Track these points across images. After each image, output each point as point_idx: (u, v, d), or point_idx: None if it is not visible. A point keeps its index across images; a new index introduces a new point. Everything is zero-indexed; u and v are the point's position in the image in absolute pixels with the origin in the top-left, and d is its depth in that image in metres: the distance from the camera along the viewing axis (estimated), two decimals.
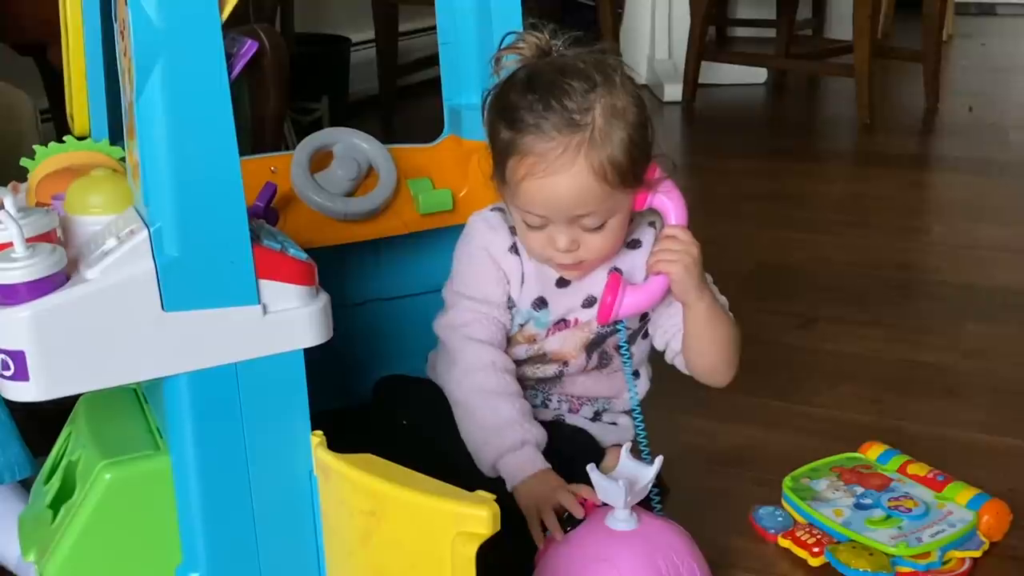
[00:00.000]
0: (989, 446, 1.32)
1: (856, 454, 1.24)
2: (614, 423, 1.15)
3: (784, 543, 1.11)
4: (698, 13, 3.22)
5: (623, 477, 0.95)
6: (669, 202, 1.04)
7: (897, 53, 3.46)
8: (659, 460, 0.96)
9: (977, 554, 1.08)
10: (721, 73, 3.44)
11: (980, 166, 2.64)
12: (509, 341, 1.10)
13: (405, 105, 3.09)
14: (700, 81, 3.28)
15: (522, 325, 1.09)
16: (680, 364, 1.12)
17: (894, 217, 2.28)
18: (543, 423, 1.10)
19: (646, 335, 1.13)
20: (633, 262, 1.08)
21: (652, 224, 1.09)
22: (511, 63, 1.04)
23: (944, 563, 1.06)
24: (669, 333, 1.10)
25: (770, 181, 2.57)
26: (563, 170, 0.97)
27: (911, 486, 1.16)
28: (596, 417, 1.15)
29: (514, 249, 1.08)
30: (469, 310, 1.08)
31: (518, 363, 1.10)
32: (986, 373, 1.53)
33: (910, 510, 1.11)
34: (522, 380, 1.10)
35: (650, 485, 0.96)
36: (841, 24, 3.82)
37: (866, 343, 1.63)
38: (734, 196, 2.45)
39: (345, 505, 0.81)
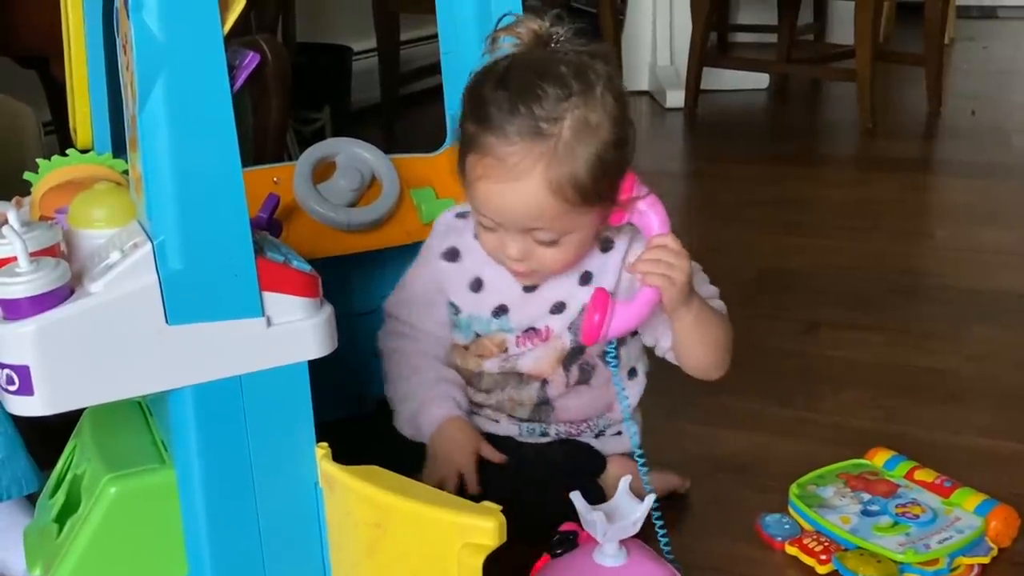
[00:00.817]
0: (995, 451, 1.32)
1: (862, 460, 1.24)
2: (618, 433, 1.15)
3: (791, 550, 1.11)
4: (699, 19, 3.22)
5: (614, 510, 0.92)
6: (651, 213, 1.00)
7: (899, 57, 3.46)
8: (650, 498, 0.92)
9: (985, 560, 1.08)
10: (723, 79, 3.44)
11: (983, 170, 2.63)
12: (482, 354, 1.08)
13: (407, 113, 3.09)
14: (702, 87, 3.28)
15: (486, 333, 1.08)
16: (671, 358, 1.10)
17: (897, 221, 2.28)
18: (543, 444, 1.09)
19: (635, 332, 1.11)
20: (604, 264, 1.05)
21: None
22: (508, 45, 0.99)
23: (952, 569, 1.06)
24: (658, 330, 1.08)
25: (772, 186, 2.56)
26: (518, 179, 0.93)
27: (918, 492, 1.16)
28: (598, 435, 1.14)
29: (469, 252, 1.07)
30: (403, 336, 1.10)
31: (495, 387, 1.09)
32: (991, 378, 1.52)
33: (917, 516, 1.11)
34: (514, 413, 1.09)
35: (640, 522, 0.92)
36: (842, 28, 3.82)
37: (870, 348, 1.62)
38: (737, 201, 2.44)
39: (351, 517, 0.81)
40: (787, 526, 1.14)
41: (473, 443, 1.04)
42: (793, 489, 1.17)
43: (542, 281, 1.05)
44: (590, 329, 0.99)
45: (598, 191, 0.96)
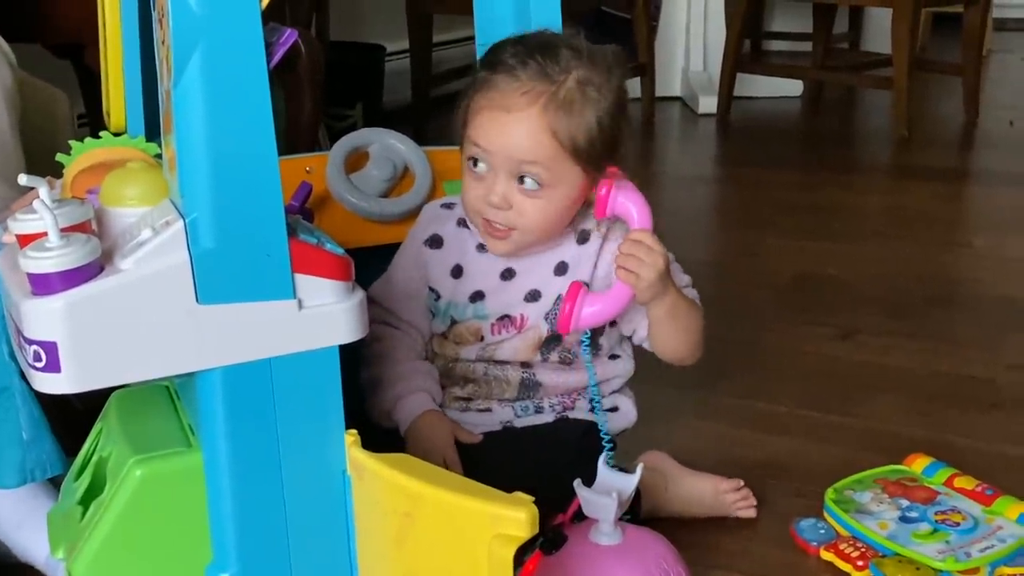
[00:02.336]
0: None
1: (901, 466, 1.21)
2: (614, 408, 1.13)
3: (827, 556, 1.08)
4: (734, 25, 3.20)
5: (607, 489, 0.94)
6: (632, 205, 1.01)
7: (936, 66, 3.42)
8: (640, 469, 0.96)
9: None
10: (756, 85, 3.42)
11: (1021, 180, 2.60)
12: (459, 341, 1.08)
13: (438, 114, 3.08)
14: (735, 93, 3.25)
15: (462, 320, 1.07)
16: (648, 346, 1.11)
17: (933, 230, 2.25)
18: (547, 424, 1.09)
19: (614, 323, 1.10)
20: (579, 256, 1.06)
21: None
22: None
23: None
24: (635, 320, 1.09)
25: (807, 193, 2.54)
26: (518, 109, 0.98)
27: (958, 499, 1.13)
28: (593, 409, 1.12)
29: (452, 239, 1.08)
30: (385, 323, 1.08)
31: (475, 375, 1.08)
32: None
33: (958, 524, 1.08)
34: (502, 396, 1.08)
35: (632, 495, 0.96)
36: (878, 37, 3.78)
37: (907, 355, 1.59)
38: (770, 207, 2.42)
39: (379, 506, 0.79)
40: (822, 531, 1.11)
41: (447, 433, 1.04)
42: (829, 494, 1.15)
43: (517, 250, 1.05)
44: (562, 317, 1.02)
45: (589, 150, 1.00)
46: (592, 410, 1.11)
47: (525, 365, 1.09)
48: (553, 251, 1.06)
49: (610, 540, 0.95)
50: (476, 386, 1.09)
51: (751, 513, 1.16)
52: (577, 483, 0.95)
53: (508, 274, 1.07)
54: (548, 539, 0.95)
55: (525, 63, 0.99)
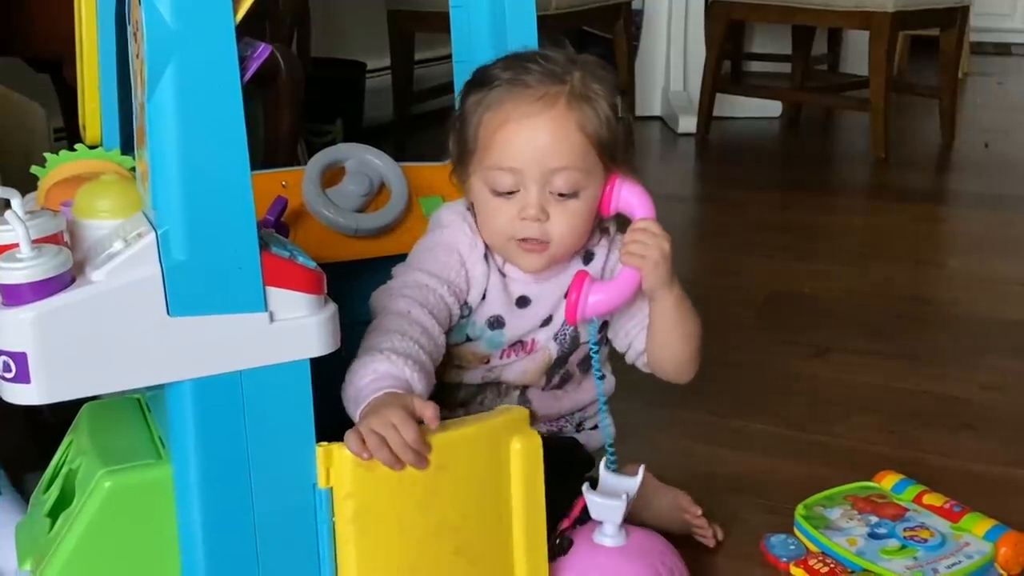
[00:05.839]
0: (1006, 478, 1.30)
1: (871, 483, 1.22)
2: (595, 427, 1.13)
3: (796, 572, 1.09)
4: (713, 46, 3.22)
5: (612, 492, 0.96)
6: (634, 198, 1.02)
7: (913, 89, 3.45)
8: (642, 469, 0.98)
9: None
10: (736, 106, 3.44)
11: (996, 201, 2.62)
12: (461, 364, 1.06)
13: (419, 132, 3.09)
14: (715, 114, 3.28)
15: (474, 340, 1.05)
16: (642, 364, 1.09)
17: (909, 250, 2.27)
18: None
19: (606, 340, 1.11)
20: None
21: (606, 230, 1.07)
22: None
23: None
24: (632, 334, 1.08)
25: (784, 212, 2.56)
26: (544, 112, 0.96)
27: (927, 516, 1.14)
28: (579, 428, 1.13)
29: (487, 257, 1.03)
30: (414, 282, 0.99)
31: (473, 399, 1.07)
32: (1003, 406, 1.50)
33: (926, 540, 1.09)
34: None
35: (635, 497, 0.97)
36: (856, 60, 3.82)
37: (880, 374, 1.61)
38: (748, 227, 2.44)
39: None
40: (792, 547, 1.12)
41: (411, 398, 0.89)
42: (799, 510, 1.16)
43: (551, 263, 1.02)
44: (569, 308, 1.00)
45: (611, 140, 0.99)
46: (585, 426, 1.12)
47: (523, 390, 1.08)
48: (560, 276, 1.04)
49: (615, 541, 0.96)
50: (467, 411, 1.07)
51: (709, 543, 1.15)
52: (586, 487, 0.96)
53: (523, 302, 1.05)
54: (557, 545, 0.96)
55: (528, 69, 0.98)
